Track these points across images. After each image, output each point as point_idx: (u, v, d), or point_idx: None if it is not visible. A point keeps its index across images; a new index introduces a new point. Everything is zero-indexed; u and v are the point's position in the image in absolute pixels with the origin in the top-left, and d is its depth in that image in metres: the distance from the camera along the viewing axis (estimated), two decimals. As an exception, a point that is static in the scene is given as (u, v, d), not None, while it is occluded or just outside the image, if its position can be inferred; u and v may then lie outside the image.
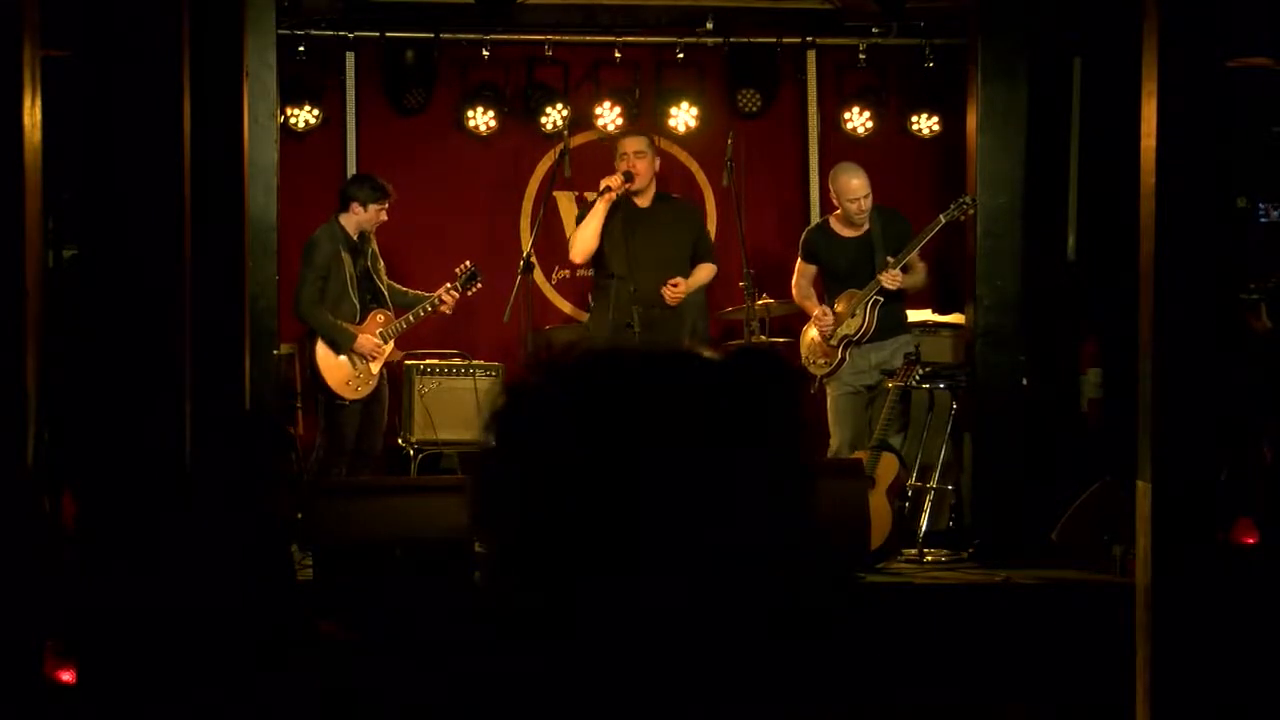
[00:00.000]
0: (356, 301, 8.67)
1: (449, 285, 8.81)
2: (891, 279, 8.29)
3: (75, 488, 5.48)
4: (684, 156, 10.11)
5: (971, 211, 8.34)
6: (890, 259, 8.33)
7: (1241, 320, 8.13)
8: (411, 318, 8.78)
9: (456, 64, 9.86)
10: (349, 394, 8.60)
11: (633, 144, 8.52)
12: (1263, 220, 9.16)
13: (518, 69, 9.94)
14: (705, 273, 8.58)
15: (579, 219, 8.56)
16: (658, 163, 8.60)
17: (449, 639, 5.81)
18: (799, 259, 8.72)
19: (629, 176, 8.34)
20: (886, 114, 10.04)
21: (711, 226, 10.02)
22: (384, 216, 8.67)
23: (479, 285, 8.85)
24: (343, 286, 8.62)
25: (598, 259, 8.44)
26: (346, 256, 8.62)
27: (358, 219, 8.63)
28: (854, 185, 8.47)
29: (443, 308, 8.83)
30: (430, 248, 9.69)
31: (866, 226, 8.52)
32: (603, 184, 8.37)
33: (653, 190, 8.54)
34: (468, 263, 8.87)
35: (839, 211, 8.59)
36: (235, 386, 6.57)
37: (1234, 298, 7.92)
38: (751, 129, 9.79)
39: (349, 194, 8.69)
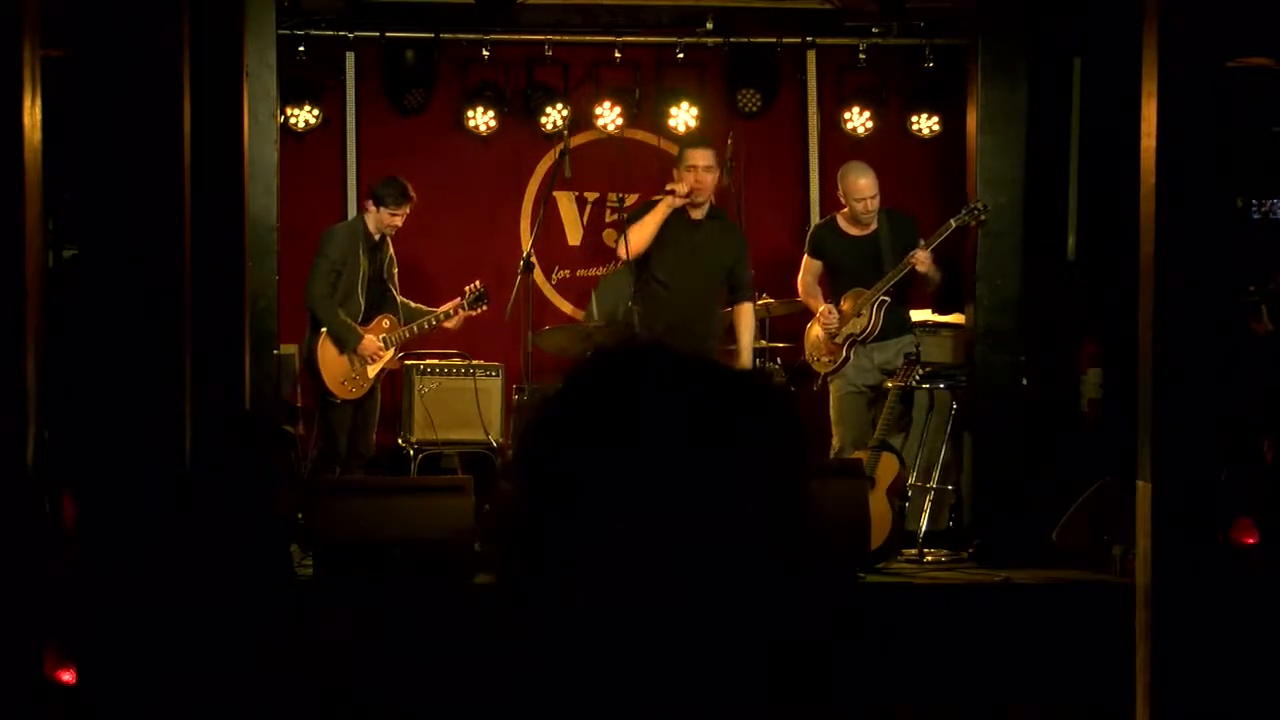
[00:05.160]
0: (363, 301, 8.67)
1: (456, 302, 8.83)
2: (924, 260, 8.24)
3: (75, 488, 5.48)
4: (684, 156, 10.10)
5: (984, 218, 8.32)
6: (922, 241, 8.31)
7: (1243, 322, 8.14)
8: (416, 329, 8.79)
9: (456, 64, 9.86)
10: (341, 393, 8.60)
11: (702, 158, 8.43)
12: (1255, 218, 9.17)
13: (518, 69, 9.94)
14: (747, 324, 8.51)
15: (633, 218, 8.41)
16: (718, 179, 8.55)
17: (449, 639, 5.81)
18: (805, 255, 8.72)
19: (691, 195, 8.29)
20: (886, 114, 10.04)
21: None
22: (396, 222, 8.66)
23: (485, 307, 8.84)
24: (353, 284, 8.64)
25: (640, 259, 8.36)
26: (364, 255, 8.63)
27: (374, 218, 8.66)
28: (861, 185, 8.46)
29: (448, 323, 8.84)
30: (430, 247, 9.69)
31: (873, 226, 8.52)
32: (669, 186, 8.30)
33: (708, 205, 8.51)
34: (477, 283, 8.86)
35: (846, 210, 8.59)
36: (235, 386, 6.57)
37: (1234, 299, 7.92)
38: (751, 129, 9.80)
39: (373, 191, 8.72)
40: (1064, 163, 9.24)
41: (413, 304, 8.96)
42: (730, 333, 8.61)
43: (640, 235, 8.25)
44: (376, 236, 8.69)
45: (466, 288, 8.86)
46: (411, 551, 6.88)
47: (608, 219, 9.88)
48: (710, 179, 8.35)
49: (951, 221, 8.34)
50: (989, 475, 8.39)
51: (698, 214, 8.40)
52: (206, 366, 5.88)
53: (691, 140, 9.07)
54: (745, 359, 8.39)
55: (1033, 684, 6.47)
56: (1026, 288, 8.52)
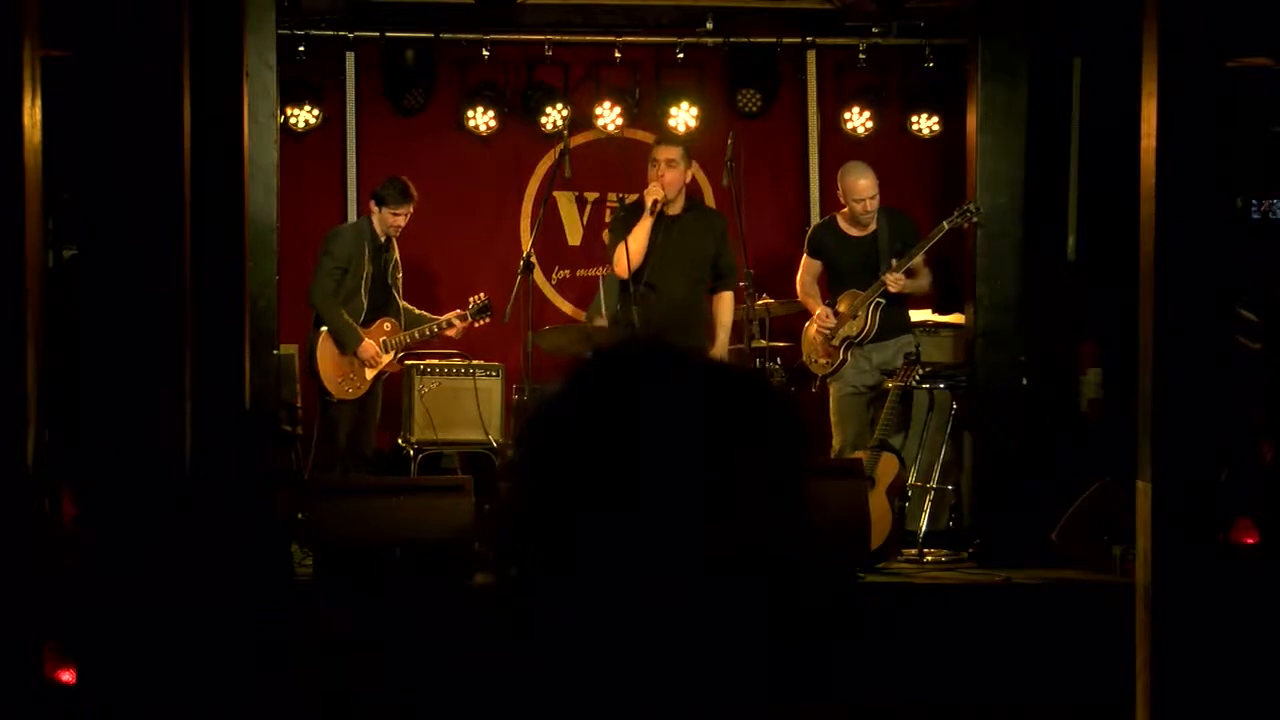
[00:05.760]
0: (366, 302, 8.69)
1: (460, 312, 8.84)
2: (895, 281, 8.28)
3: (75, 488, 5.48)
4: (684, 156, 10.10)
5: (975, 220, 8.33)
6: (894, 261, 8.32)
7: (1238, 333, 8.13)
8: (417, 334, 8.81)
9: (456, 64, 9.87)
10: (338, 392, 8.63)
11: (665, 152, 8.45)
12: (1255, 218, 9.16)
13: (518, 69, 9.94)
14: (727, 312, 8.49)
15: (624, 227, 8.39)
16: (690, 173, 8.55)
17: (449, 639, 5.81)
18: (804, 255, 8.72)
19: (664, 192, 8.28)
20: (886, 114, 10.04)
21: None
22: (399, 222, 8.68)
23: (488, 319, 8.85)
24: (356, 285, 8.66)
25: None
26: (368, 257, 8.65)
27: (378, 219, 8.68)
28: (861, 185, 8.46)
29: (449, 331, 8.85)
30: (430, 248, 9.69)
31: (873, 227, 8.52)
32: (649, 199, 8.29)
33: (682, 199, 8.51)
34: (481, 295, 8.88)
35: (846, 210, 8.59)
36: (235, 386, 6.57)
37: (1234, 301, 7.91)
38: (751, 129, 9.79)
39: (375, 191, 8.74)
40: (1064, 163, 9.24)
41: (416, 310, 8.97)
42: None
43: (635, 245, 8.25)
44: (382, 238, 8.72)
45: (471, 299, 8.86)
46: (411, 551, 6.89)
47: (608, 219, 9.88)
48: (673, 174, 8.34)
49: (944, 224, 8.34)
50: (989, 475, 8.39)
51: (672, 210, 8.40)
52: (206, 366, 5.87)
53: (661, 136, 9.10)
54: (720, 352, 8.31)
55: (1033, 684, 6.47)
56: (1026, 288, 8.52)
